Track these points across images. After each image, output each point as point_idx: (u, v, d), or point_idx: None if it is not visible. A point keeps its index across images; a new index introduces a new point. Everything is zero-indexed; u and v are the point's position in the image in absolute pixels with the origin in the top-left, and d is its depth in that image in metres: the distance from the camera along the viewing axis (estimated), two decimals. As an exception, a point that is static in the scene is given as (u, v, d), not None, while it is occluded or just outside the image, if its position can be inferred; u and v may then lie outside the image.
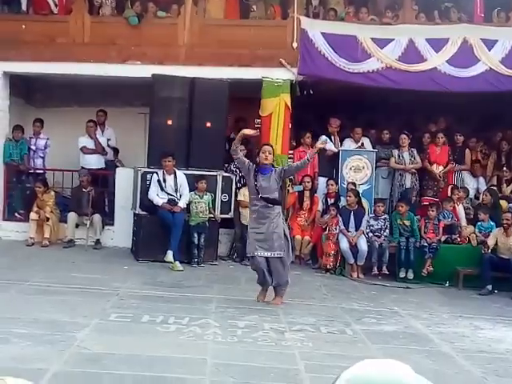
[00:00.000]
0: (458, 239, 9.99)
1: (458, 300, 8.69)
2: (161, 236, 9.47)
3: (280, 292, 7.43)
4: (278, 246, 7.22)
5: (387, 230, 9.95)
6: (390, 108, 11.56)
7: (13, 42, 11.04)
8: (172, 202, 9.62)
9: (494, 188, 10.97)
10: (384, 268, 9.73)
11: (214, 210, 10.03)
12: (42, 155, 11.52)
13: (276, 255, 7.23)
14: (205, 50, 11.00)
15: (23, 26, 11.26)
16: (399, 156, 11.02)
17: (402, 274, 9.63)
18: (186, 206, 9.70)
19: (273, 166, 7.51)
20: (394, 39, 10.86)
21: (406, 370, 1.37)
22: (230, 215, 10.29)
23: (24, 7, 11.52)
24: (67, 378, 4.61)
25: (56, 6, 11.47)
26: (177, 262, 9.21)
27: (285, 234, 7.34)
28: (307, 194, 10.53)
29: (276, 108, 10.75)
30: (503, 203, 10.59)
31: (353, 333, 6.38)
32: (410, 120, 12.09)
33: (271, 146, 7.67)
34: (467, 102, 10.97)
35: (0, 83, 11.29)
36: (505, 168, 11.35)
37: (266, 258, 7.25)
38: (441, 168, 10.98)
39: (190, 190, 9.80)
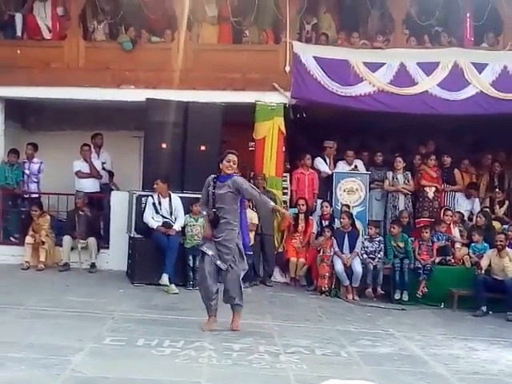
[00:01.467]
0: (452, 261, 10.03)
1: (453, 321, 8.71)
2: (156, 259, 9.48)
3: (237, 310, 7.06)
4: (228, 260, 6.81)
5: (381, 252, 9.98)
6: (382, 131, 11.69)
7: (8, 67, 11.16)
8: (167, 225, 9.66)
9: (487, 210, 11.04)
10: (379, 290, 9.76)
11: (209, 233, 10.03)
12: (35, 180, 11.55)
13: (223, 267, 6.82)
14: (198, 74, 11.12)
15: (18, 51, 11.37)
16: (393, 178, 11.13)
17: (396, 296, 9.65)
18: (181, 229, 9.74)
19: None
20: (385, 63, 11.03)
21: None
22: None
23: (19, 32, 11.62)
24: (63, 402, 4.61)
25: (50, 31, 11.58)
26: (172, 285, 9.22)
27: (239, 250, 6.91)
28: (302, 216, 10.58)
29: (270, 131, 10.88)
30: (496, 224, 10.67)
31: (347, 355, 6.38)
32: (403, 143, 12.20)
33: (237, 156, 7.01)
34: (458, 125, 11.10)
35: (-5, 108, 11.40)
36: (497, 189, 11.44)
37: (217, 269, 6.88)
38: (433, 189, 11.08)
39: (185, 213, 9.84)
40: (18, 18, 11.55)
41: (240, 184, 6.87)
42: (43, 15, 11.59)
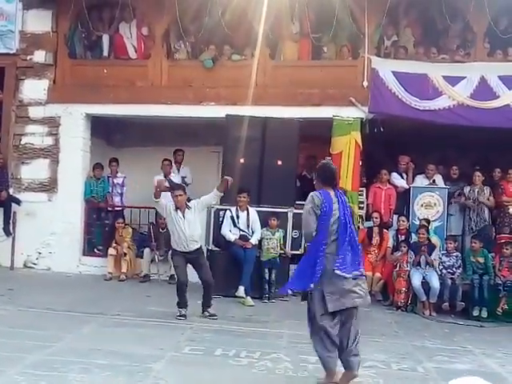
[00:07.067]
0: (535, 277, 9.77)
1: (535, 340, 8.48)
2: (232, 271, 9.67)
3: None
4: None
5: (460, 268, 9.85)
6: (462, 145, 11.50)
7: (95, 86, 11.64)
8: (244, 238, 9.85)
9: None
10: (458, 304, 9.61)
11: (285, 246, 10.18)
12: (119, 191, 11.98)
13: None
14: (277, 90, 11.29)
15: (105, 71, 11.84)
16: (470, 191, 10.96)
17: (475, 312, 9.48)
18: (257, 243, 9.91)
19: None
20: (465, 77, 10.88)
21: None
22: (301, 251, 10.40)
23: (105, 53, 12.14)
24: (145, 406, 4.80)
25: (135, 51, 12.04)
26: (248, 297, 9.39)
27: None
28: (376, 230, 10.57)
29: (346, 146, 10.90)
30: None
31: (424, 370, 6.35)
32: (485, 156, 11.97)
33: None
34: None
35: (82, 124, 11.84)
36: None
37: None
38: (514, 204, 10.84)
39: (262, 227, 10.00)
40: (105, 38, 12.08)
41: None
42: (129, 35, 12.07)
